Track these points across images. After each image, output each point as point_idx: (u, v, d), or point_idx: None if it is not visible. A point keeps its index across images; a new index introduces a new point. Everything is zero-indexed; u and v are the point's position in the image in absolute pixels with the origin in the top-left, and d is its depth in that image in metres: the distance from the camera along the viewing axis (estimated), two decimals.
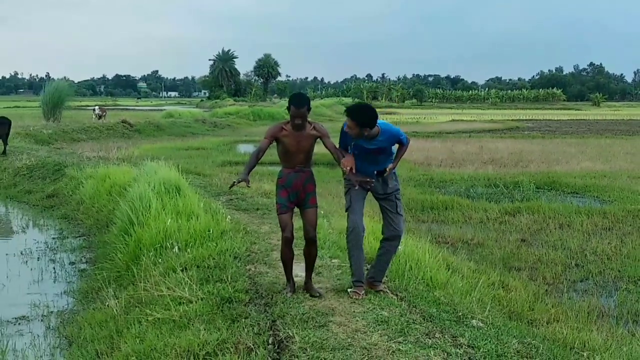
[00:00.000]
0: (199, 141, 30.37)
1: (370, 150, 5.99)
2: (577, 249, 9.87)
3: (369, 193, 6.17)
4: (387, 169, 6.06)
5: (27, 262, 9.58)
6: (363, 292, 6.05)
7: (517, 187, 15.67)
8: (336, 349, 4.95)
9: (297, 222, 6.29)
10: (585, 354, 5.38)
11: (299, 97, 5.80)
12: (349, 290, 6.14)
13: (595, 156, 23.03)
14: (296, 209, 6.11)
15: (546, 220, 11.84)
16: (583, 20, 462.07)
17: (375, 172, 6.06)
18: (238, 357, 4.83)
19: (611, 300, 7.76)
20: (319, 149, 6.11)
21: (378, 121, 5.91)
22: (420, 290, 6.56)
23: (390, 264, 6.41)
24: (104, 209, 11.64)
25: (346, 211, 6.21)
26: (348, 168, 5.74)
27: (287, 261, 6.09)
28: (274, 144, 6.00)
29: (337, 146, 6.08)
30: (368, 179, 5.86)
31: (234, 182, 5.93)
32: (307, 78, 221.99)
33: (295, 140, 5.79)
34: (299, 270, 6.46)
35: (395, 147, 6.22)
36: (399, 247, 6.60)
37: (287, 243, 5.97)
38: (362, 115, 5.82)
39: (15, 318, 7.24)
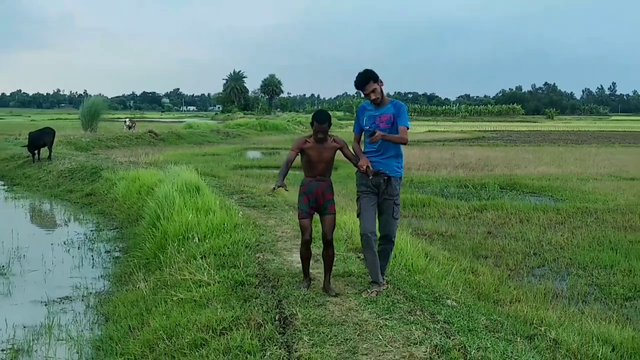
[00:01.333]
0: (214, 148, 30.30)
1: (379, 120, 5.65)
2: (535, 240, 9.91)
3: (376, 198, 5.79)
4: (378, 133, 5.54)
5: (69, 250, 9.59)
6: (376, 291, 5.66)
7: (484, 188, 15.74)
8: (333, 324, 4.97)
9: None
10: (542, 329, 5.39)
11: (321, 114, 5.56)
12: (362, 292, 5.70)
13: (549, 162, 23.08)
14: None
15: (508, 216, 11.87)
16: (540, 46, 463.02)
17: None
18: (250, 332, 4.83)
19: (564, 283, 7.79)
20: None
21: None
22: (403, 275, 6.57)
23: (388, 262, 6.06)
24: (135, 205, 11.65)
25: (357, 217, 5.86)
26: (364, 167, 5.49)
27: (305, 260, 5.84)
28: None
29: (353, 129, 5.90)
30: (381, 171, 5.59)
31: (274, 187, 5.74)
32: (305, 95, 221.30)
33: (317, 151, 5.56)
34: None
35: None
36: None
37: (306, 245, 5.72)
38: (362, 78, 5.58)
39: (60, 298, 7.25)
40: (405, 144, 5.77)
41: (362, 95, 5.70)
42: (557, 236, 10.12)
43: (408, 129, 5.70)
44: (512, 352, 4.51)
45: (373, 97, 5.62)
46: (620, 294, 7.27)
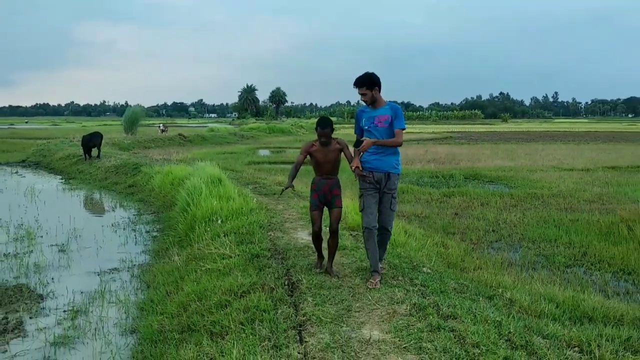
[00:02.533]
0: (231, 148, 30.24)
1: (378, 120, 5.12)
2: (493, 219, 9.93)
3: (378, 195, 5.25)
4: (366, 141, 5.03)
5: (116, 231, 9.59)
6: (378, 280, 5.12)
7: (451, 178, 15.76)
8: (331, 288, 5.01)
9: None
10: (500, 290, 5.43)
11: (324, 121, 5.20)
12: (367, 283, 5.12)
13: (504, 156, 23.10)
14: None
15: (472, 200, 11.90)
16: (496, 63, 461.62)
17: (388, 165, 5.14)
18: (264, 294, 4.86)
19: (517, 254, 7.82)
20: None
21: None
22: (387, 249, 6.58)
23: (386, 250, 5.57)
24: (169, 194, 11.63)
25: (360, 212, 5.33)
26: (354, 166, 5.07)
27: (317, 246, 5.51)
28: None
29: (355, 132, 5.37)
30: (367, 174, 5.11)
31: (283, 189, 5.50)
32: (305, 103, 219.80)
33: (323, 154, 5.22)
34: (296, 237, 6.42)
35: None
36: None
37: (316, 234, 5.38)
38: (361, 79, 5.12)
39: (110, 269, 7.28)
40: (399, 146, 5.20)
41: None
42: (511, 216, 10.16)
43: (403, 129, 5.16)
44: (475, 309, 4.55)
45: (363, 99, 5.17)
46: (562, 262, 7.31)
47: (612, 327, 4.64)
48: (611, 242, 8.09)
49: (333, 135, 5.30)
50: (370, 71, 5.17)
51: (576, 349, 4.10)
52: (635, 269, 7.00)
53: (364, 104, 5.27)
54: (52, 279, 6.86)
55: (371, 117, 5.17)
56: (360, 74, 5.17)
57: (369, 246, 5.21)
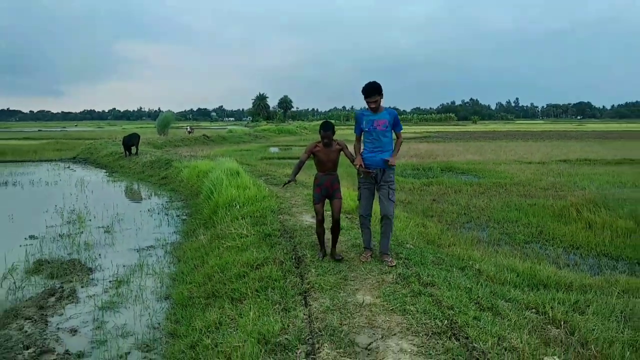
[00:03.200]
0: (247, 146, 30.19)
1: (377, 123, 4.91)
2: (465, 204, 9.91)
3: (374, 188, 5.11)
4: (390, 160, 4.95)
5: (152, 215, 9.59)
6: (370, 255, 5.10)
7: (430, 170, 15.70)
8: (331, 261, 5.02)
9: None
10: (470, 263, 5.44)
11: (326, 124, 4.96)
12: (360, 257, 5.12)
13: (474, 152, 23.02)
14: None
15: (447, 189, 11.87)
16: (466, 73, 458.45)
17: (383, 162, 4.97)
18: (275, 266, 4.88)
19: (484, 233, 7.81)
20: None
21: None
22: (377, 229, 6.56)
23: (390, 237, 5.12)
24: (195, 185, 11.64)
25: (358, 200, 5.26)
26: (358, 164, 4.93)
27: (320, 235, 5.14)
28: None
29: (354, 131, 5.19)
30: (371, 171, 4.97)
31: (285, 182, 5.30)
32: (308, 109, 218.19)
33: (325, 153, 4.99)
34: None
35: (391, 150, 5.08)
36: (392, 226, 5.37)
37: (319, 224, 5.07)
38: (372, 88, 4.80)
39: (147, 246, 7.30)
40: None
41: (365, 100, 4.90)
42: (479, 202, 10.14)
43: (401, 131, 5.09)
44: (450, 278, 4.57)
45: (373, 106, 4.87)
46: (522, 240, 7.32)
47: (563, 292, 4.66)
48: (563, 223, 8.09)
49: (334, 137, 5.15)
50: (371, 80, 4.87)
51: (533, 310, 4.12)
52: (582, 244, 7.01)
53: (361, 109, 5.12)
54: (99, 255, 6.89)
55: (371, 120, 4.95)
56: (366, 84, 4.82)
57: (363, 230, 5.26)
